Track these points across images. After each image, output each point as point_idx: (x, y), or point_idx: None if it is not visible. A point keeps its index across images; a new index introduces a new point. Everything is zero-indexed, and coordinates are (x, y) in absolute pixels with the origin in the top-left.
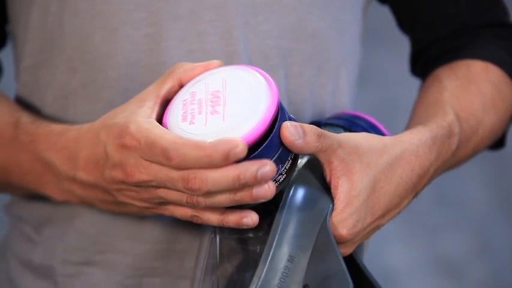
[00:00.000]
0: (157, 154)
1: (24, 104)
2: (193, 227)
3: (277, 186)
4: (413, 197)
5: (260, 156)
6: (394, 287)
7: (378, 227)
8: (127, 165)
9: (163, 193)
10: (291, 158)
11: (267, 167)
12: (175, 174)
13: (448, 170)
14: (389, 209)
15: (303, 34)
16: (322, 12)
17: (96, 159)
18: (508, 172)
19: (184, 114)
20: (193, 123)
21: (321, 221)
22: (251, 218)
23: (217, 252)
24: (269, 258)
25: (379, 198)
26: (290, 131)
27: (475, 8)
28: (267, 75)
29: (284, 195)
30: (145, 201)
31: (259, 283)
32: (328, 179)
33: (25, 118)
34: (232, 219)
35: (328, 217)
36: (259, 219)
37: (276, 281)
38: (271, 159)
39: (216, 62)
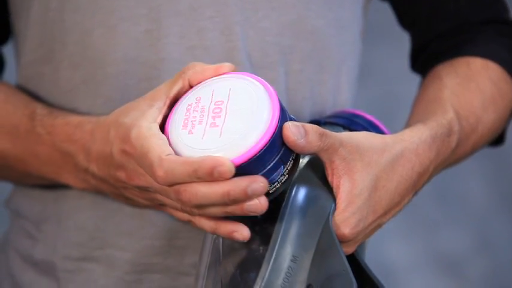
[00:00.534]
0: (146, 167)
1: None
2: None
3: (278, 187)
4: (414, 195)
5: (261, 158)
6: (394, 284)
7: (380, 226)
8: (128, 169)
9: (160, 198)
10: (292, 159)
11: (258, 183)
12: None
13: (447, 168)
14: (391, 207)
15: (302, 31)
16: (322, 9)
17: (105, 157)
18: (508, 168)
19: (186, 121)
20: (192, 133)
21: (323, 220)
22: (241, 234)
23: (220, 252)
24: (272, 258)
25: (381, 196)
26: (292, 131)
27: (475, 5)
28: (272, 90)
29: (286, 195)
30: (148, 200)
31: (262, 283)
32: (329, 178)
33: (40, 110)
34: (224, 230)
35: (330, 216)
36: (263, 218)
37: (279, 281)
38: (273, 160)
39: (227, 65)
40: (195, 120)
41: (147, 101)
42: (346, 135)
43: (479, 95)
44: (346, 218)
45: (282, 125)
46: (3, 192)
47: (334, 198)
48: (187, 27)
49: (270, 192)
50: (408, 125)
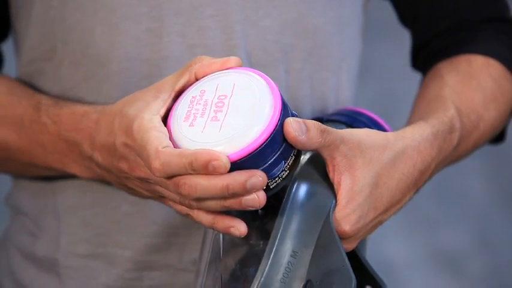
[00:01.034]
0: (144, 159)
1: None
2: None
3: (279, 182)
4: (415, 192)
5: (263, 153)
6: (395, 281)
7: (380, 223)
8: (129, 160)
9: (160, 190)
10: (293, 154)
11: (257, 177)
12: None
13: (449, 165)
14: (392, 204)
15: (303, 30)
16: (323, 7)
17: (108, 148)
18: (508, 166)
19: (188, 114)
20: (193, 125)
21: (324, 216)
22: (238, 229)
23: (221, 248)
24: (272, 253)
25: (382, 193)
26: (293, 127)
27: (476, 3)
28: (274, 86)
29: (287, 191)
30: (149, 191)
31: (262, 278)
32: (330, 175)
33: (45, 100)
34: (221, 225)
35: (331, 213)
36: (263, 213)
37: (279, 276)
38: (274, 155)
39: (234, 58)
40: (197, 113)
41: (153, 92)
42: (347, 132)
43: (480, 93)
44: (347, 214)
45: (283, 121)
46: (3, 189)
47: (335, 195)
48: (188, 26)
49: (271, 187)
50: (409, 122)
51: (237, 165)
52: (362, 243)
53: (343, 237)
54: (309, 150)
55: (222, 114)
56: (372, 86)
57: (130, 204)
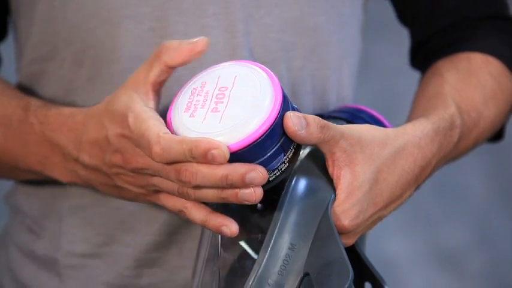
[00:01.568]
0: (144, 147)
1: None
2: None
3: (279, 175)
4: (416, 189)
5: (262, 145)
6: (394, 278)
7: (380, 218)
8: (125, 152)
9: (157, 181)
10: (293, 148)
11: (257, 172)
12: (168, 165)
13: (449, 162)
14: (392, 200)
15: (304, 28)
16: (324, 6)
17: (100, 143)
18: (508, 164)
19: (189, 104)
20: (194, 116)
21: (322, 210)
22: (229, 229)
23: (219, 243)
24: (270, 246)
25: (382, 189)
26: (293, 121)
27: (475, 1)
28: (275, 79)
29: (286, 184)
30: (141, 187)
31: (260, 270)
32: (330, 169)
33: (34, 101)
34: (213, 223)
35: (329, 206)
36: (262, 206)
37: (276, 268)
38: (274, 147)
39: (202, 40)
40: (197, 104)
41: (130, 88)
42: (347, 127)
43: (480, 90)
44: (346, 209)
45: (283, 114)
46: (3, 187)
47: (334, 190)
48: (191, 25)
49: (270, 179)
50: (409, 120)
51: (236, 156)
52: (361, 239)
53: (342, 232)
54: (309, 145)
55: (223, 106)
56: (372, 83)
57: (134, 204)
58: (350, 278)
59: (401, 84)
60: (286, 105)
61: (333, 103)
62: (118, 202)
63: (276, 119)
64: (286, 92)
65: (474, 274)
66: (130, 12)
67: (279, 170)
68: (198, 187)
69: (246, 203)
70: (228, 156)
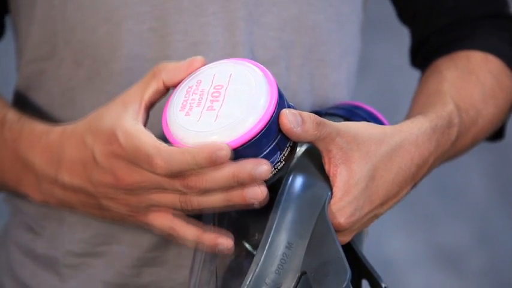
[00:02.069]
0: (142, 161)
1: (27, 96)
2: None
3: (275, 173)
4: (413, 187)
5: (258, 143)
6: (394, 277)
7: (376, 216)
8: (117, 171)
9: (156, 196)
10: (289, 146)
11: (263, 166)
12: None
13: (447, 161)
14: (388, 198)
15: (303, 26)
16: (323, 4)
17: (83, 163)
18: (508, 163)
19: (184, 103)
20: (189, 115)
21: (319, 208)
22: (225, 245)
23: None
24: (267, 244)
25: (378, 187)
26: (289, 118)
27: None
28: (271, 77)
29: (283, 182)
30: (130, 206)
31: (257, 269)
32: (326, 167)
33: (11, 115)
34: (207, 240)
35: (326, 205)
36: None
37: (274, 267)
38: (270, 145)
39: (198, 58)
40: (193, 103)
41: (120, 104)
42: (344, 124)
43: (479, 88)
44: (342, 207)
45: (279, 112)
46: None
47: (330, 187)
48: (190, 24)
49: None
50: (408, 117)
51: (232, 154)
52: (359, 237)
53: (338, 229)
54: (305, 142)
55: (218, 104)
56: (372, 82)
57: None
58: (348, 277)
59: (401, 83)
60: (282, 103)
61: (332, 102)
62: None
63: (271, 117)
64: (286, 90)
65: (474, 273)
66: (130, 11)
67: (275, 169)
68: (203, 193)
69: (253, 202)
70: (229, 154)
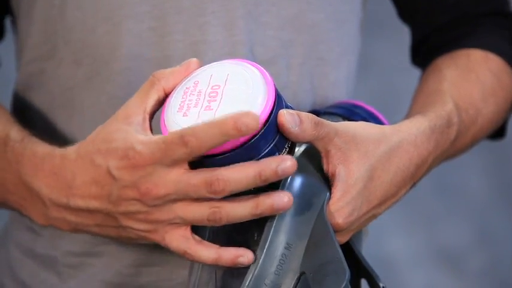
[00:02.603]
0: (172, 150)
1: (27, 96)
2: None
3: None
4: (411, 187)
5: (257, 144)
6: (394, 277)
7: (374, 216)
8: (140, 184)
9: (180, 210)
10: (287, 146)
11: (287, 162)
12: (196, 180)
13: (446, 160)
14: (386, 198)
15: (303, 25)
16: (322, 3)
17: (99, 182)
18: (508, 162)
19: (182, 104)
20: (187, 115)
21: (318, 209)
22: (247, 257)
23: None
24: (266, 245)
25: (376, 187)
26: (286, 118)
27: None
28: (268, 77)
29: (281, 183)
30: (151, 223)
31: (256, 270)
32: (325, 167)
33: (14, 134)
34: (226, 257)
35: (325, 205)
36: None
37: (273, 268)
38: (268, 146)
39: (194, 61)
40: (190, 104)
41: (122, 120)
42: (342, 124)
43: (479, 87)
44: (340, 207)
45: (277, 112)
46: None
47: (329, 188)
48: (190, 23)
49: None
50: (408, 116)
51: (231, 156)
52: (358, 237)
53: (336, 229)
54: (303, 143)
55: (216, 104)
56: (372, 81)
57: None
58: (347, 277)
59: (401, 82)
60: (280, 103)
61: (332, 100)
62: None
63: (269, 116)
64: (286, 89)
65: (474, 273)
66: (129, 11)
67: None
68: (232, 192)
69: (282, 211)
70: (258, 121)
